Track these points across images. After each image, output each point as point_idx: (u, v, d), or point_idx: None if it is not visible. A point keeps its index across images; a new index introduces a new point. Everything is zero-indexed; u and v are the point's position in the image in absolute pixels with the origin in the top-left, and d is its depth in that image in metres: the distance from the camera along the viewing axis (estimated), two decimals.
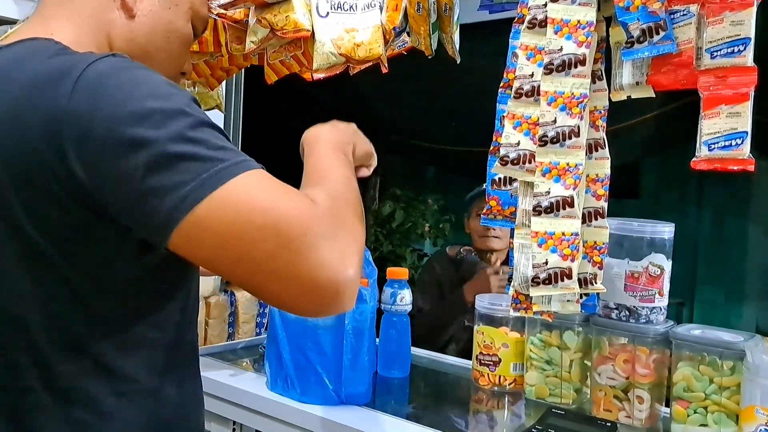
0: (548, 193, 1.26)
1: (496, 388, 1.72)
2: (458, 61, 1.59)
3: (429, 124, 4.85)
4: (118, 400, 0.93)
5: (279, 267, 0.81)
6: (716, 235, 5.33)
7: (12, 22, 2.18)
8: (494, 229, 2.73)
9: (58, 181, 0.83)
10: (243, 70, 2.21)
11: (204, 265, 0.88)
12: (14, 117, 0.86)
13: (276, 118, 4.44)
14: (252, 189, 0.83)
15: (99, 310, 0.91)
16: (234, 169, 0.83)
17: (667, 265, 1.49)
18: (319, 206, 0.86)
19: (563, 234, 1.25)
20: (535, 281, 1.27)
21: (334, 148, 1.11)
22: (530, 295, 1.29)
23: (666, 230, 1.50)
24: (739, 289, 5.14)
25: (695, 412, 1.42)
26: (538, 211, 1.26)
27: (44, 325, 0.90)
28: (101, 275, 0.90)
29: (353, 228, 0.90)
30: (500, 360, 1.71)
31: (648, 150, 5.01)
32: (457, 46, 1.56)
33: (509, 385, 1.72)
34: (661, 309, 1.50)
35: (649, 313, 1.49)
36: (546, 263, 1.26)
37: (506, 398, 1.70)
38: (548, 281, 1.26)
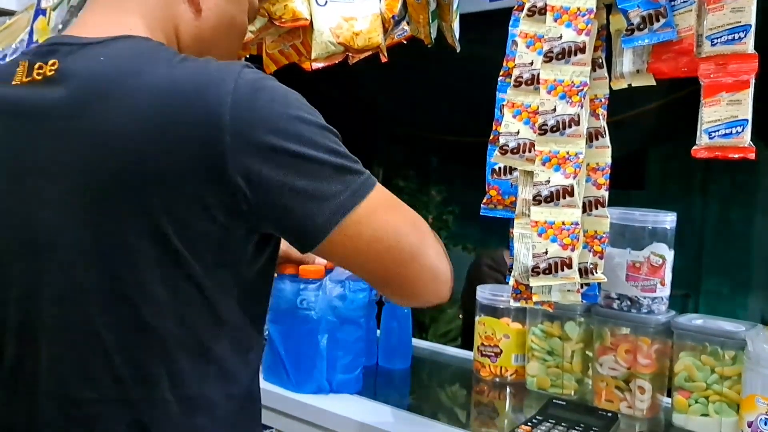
0: (548, 182, 1.25)
1: (497, 379, 1.72)
2: (458, 50, 1.58)
3: (431, 115, 4.84)
4: (228, 403, 0.97)
5: (409, 272, 0.97)
6: (722, 225, 5.30)
7: (10, 13, 2.18)
8: None
9: (211, 189, 0.86)
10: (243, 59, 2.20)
11: (344, 265, 1.02)
12: (161, 123, 0.86)
13: None
14: (386, 201, 0.97)
15: (224, 315, 0.94)
16: (371, 181, 0.95)
17: (669, 254, 1.48)
18: (416, 215, 1.01)
19: (563, 223, 1.24)
20: (535, 271, 1.26)
21: None
22: (530, 285, 1.28)
23: (668, 219, 1.49)
24: (744, 280, 5.12)
25: (696, 402, 1.42)
26: (537, 200, 1.25)
27: (179, 334, 0.91)
28: (228, 281, 0.93)
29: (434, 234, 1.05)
30: (501, 351, 1.71)
31: (653, 140, 5.00)
32: (457, 35, 1.55)
33: (511, 376, 1.71)
34: (662, 299, 1.49)
35: (650, 303, 1.48)
36: (546, 253, 1.25)
37: (508, 389, 1.70)
38: (548, 271, 1.25)
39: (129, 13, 0.99)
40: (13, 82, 0.96)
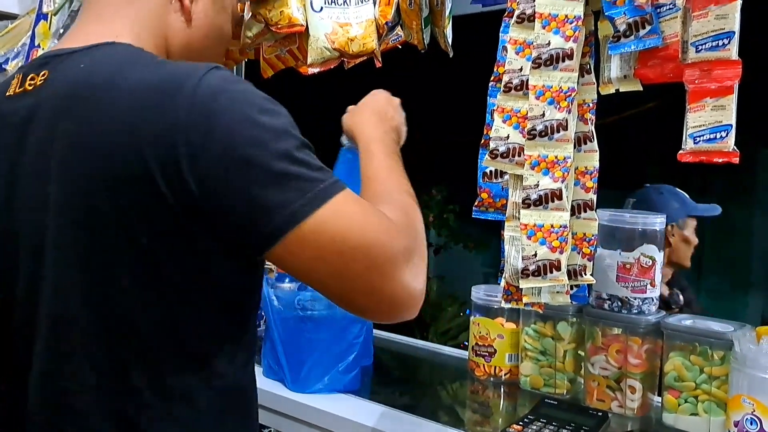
0: (537, 185, 1.27)
1: (491, 378, 1.74)
2: (451, 55, 1.60)
3: (432, 115, 4.86)
4: (211, 395, 0.98)
5: (366, 283, 0.91)
6: (722, 225, 5.31)
7: (13, 17, 2.20)
8: None
9: (169, 189, 0.87)
10: (243, 63, 2.23)
11: (297, 275, 0.96)
12: (127, 126, 0.88)
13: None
14: (348, 210, 0.91)
15: (202, 312, 0.96)
16: (332, 189, 0.91)
17: (659, 256, 1.51)
18: (397, 226, 0.96)
19: (552, 226, 1.27)
20: (525, 273, 1.28)
21: (388, 151, 1.24)
22: (520, 286, 1.30)
23: (657, 221, 1.52)
24: (744, 279, 5.14)
25: (686, 402, 1.44)
26: (527, 203, 1.28)
27: (156, 329, 0.94)
28: (203, 280, 0.94)
29: (421, 246, 1.00)
30: (496, 351, 1.73)
31: (652, 140, 5.02)
32: (450, 40, 1.58)
33: (505, 375, 1.73)
34: (652, 299, 1.52)
35: (641, 303, 1.51)
36: (535, 255, 1.28)
37: (502, 388, 1.72)
38: (537, 273, 1.28)
39: (118, 23, 1.03)
40: (7, 94, 1.02)
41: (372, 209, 0.95)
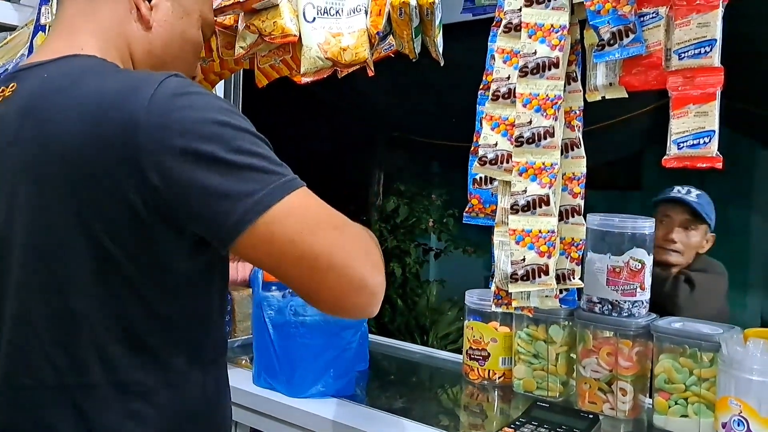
0: (525, 191, 1.29)
1: (485, 382, 1.76)
2: (441, 64, 1.62)
3: (431, 120, 4.88)
4: (169, 392, 1.01)
5: (331, 272, 0.94)
6: (719, 226, 5.32)
7: (11, 28, 2.23)
8: (675, 242, 2.50)
9: (132, 187, 0.90)
10: (241, 69, 2.25)
11: (262, 266, 1.00)
12: (89, 128, 0.92)
13: (276, 117, 4.49)
14: (309, 203, 0.95)
15: (158, 309, 0.99)
16: (293, 183, 0.94)
17: (648, 259, 1.53)
18: (355, 224, 1.00)
19: (540, 231, 1.29)
20: (514, 277, 1.30)
21: None
22: (510, 291, 1.32)
23: (647, 225, 1.54)
24: (743, 281, 5.15)
25: (676, 404, 1.46)
26: (515, 209, 1.30)
27: (109, 324, 0.97)
28: (160, 276, 0.98)
29: (376, 244, 1.05)
30: (489, 354, 1.75)
31: (650, 141, 5.03)
32: (441, 49, 1.60)
33: (498, 379, 1.75)
34: (642, 302, 1.54)
35: (631, 306, 1.52)
36: (524, 260, 1.30)
37: (495, 392, 1.74)
38: (526, 277, 1.30)
39: (84, 35, 1.07)
40: None
41: (330, 208, 0.98)
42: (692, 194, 2.55)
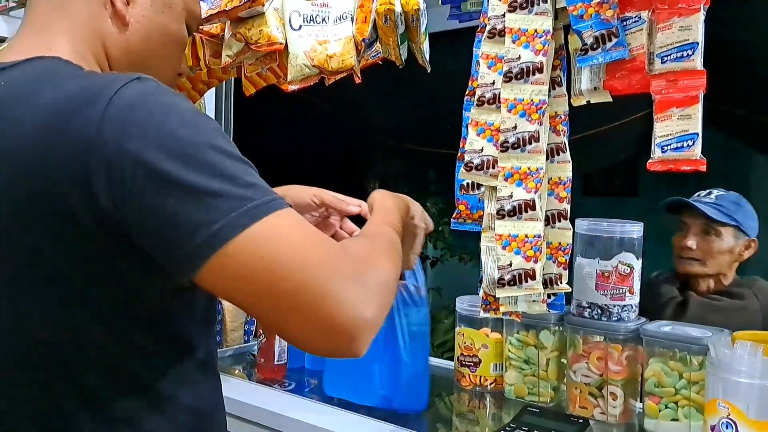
0: (511, 196, 1.30)
1: (477, 388, 1.76)
2: (428, 70, 1.62)
3: (425, 128, 4.89)
4: (157, 418, 0.94)
5: (299, 307, 0.81)
6: None
7: (1, 40, 2.23)
8: (692, 249, 2.27)
9: (84, 209, 0.82)
10: (232, 78, 2.25)
11: (226, 299, 0.88)
12: (40, 143, 0.84)
13: (269, 126, 4.48)
14: (279, 231, 0.83)
15: (133, 336, 0.91)
16: (263, 209, 0.82)
17: (637, 264, 1.53)
18: (348, 251, 0.89)
19: (526, 236, 1.29)
20: (501, 282, 1.30)
21: (386, 221, 1.13)
22: (497, 296, 1.32)
23: (635, 230, 1.54)
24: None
25: (666, 407, 1.46)
26: (501, 214, 1.30)
27: (82, 352, 0.89)
28: (132, 303, 0.89)
29: (383, 272, 0.92)
30: (480, 361, 1.75)
31: (646, 147, 5.03)
32: (427, 56, 1.60)
33: (490, 385, 1.75)
34: (632, 306, 1.54)
35: (620, 311, 1.52)
36: (510, 265, 1.30)
37: (487, 398, 1.74)
38: (513, 282, 1.30)
39: (54, 34, 0.98)
40: None
41: (314, 232, 0.87)
42: (712, 196, 2.32)
